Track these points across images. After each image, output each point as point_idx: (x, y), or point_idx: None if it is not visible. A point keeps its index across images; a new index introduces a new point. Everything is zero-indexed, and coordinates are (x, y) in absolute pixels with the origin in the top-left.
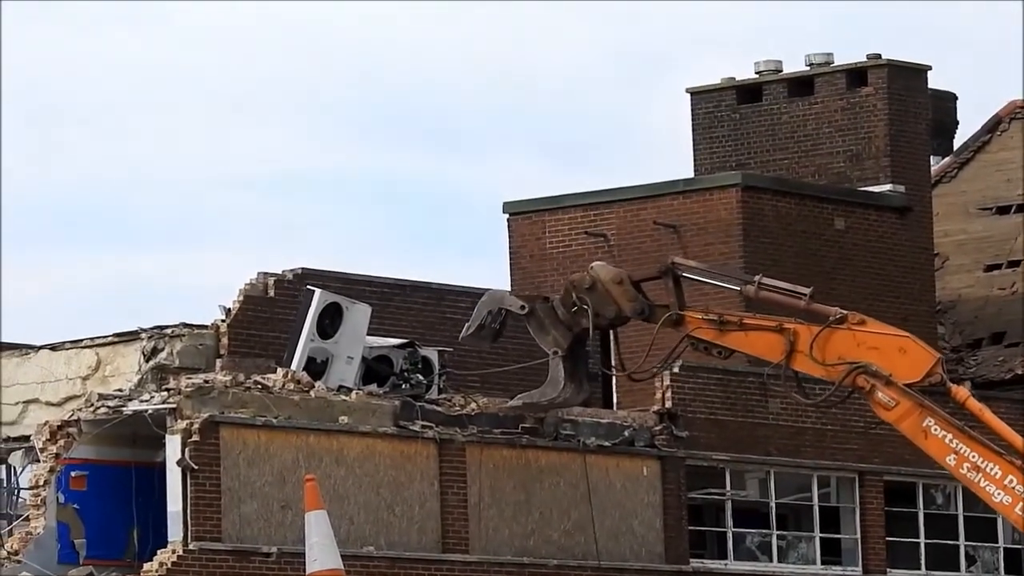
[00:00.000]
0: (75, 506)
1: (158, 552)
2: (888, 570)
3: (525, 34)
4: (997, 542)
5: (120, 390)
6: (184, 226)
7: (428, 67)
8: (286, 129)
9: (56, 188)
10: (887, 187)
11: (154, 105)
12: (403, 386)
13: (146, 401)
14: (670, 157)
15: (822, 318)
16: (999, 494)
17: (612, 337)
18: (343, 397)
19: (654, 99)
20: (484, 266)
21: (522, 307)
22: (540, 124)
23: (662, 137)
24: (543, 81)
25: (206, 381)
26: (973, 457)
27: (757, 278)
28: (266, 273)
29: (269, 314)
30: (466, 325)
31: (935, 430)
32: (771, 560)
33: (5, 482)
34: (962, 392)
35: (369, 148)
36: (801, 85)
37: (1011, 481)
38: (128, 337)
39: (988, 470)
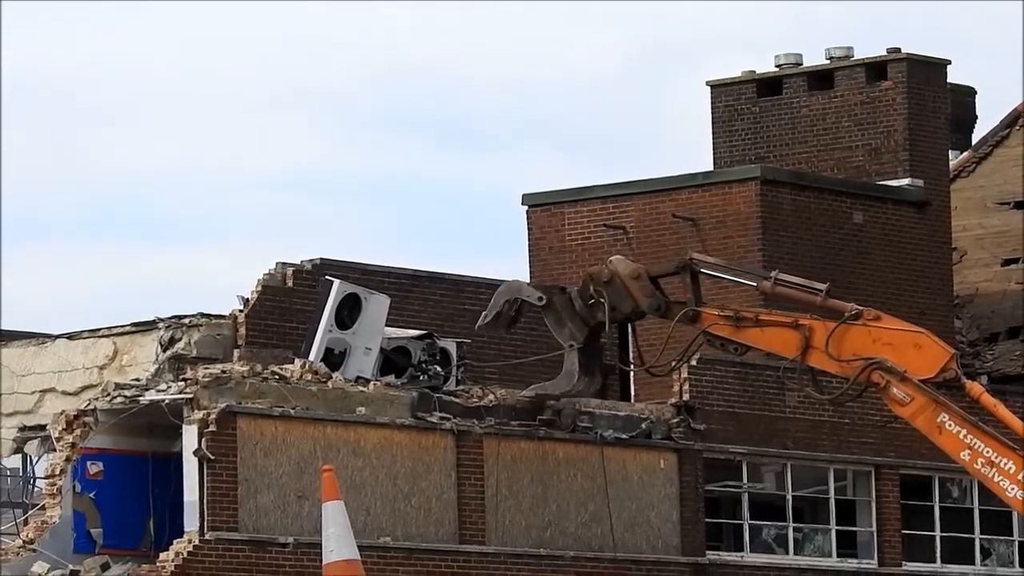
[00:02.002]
0: (91, 495)
1: (174, 542)
2: (903, 563)
3: (545, 29)
4: (1012, 535)
5: (137, 380)
6: (203, 220)
7: (448, 62)
8: (305, 126)
9: (78, 182)
10: (906, 181)
11: (175, 104)
12: (421, 377)
13: (163, 391)
14: (690, 150)
15: (838, 314)
16: (1012, 489)
17: (630, 331)
18: (361, 388)
19: (674, 92)
20: (503, 259)
21: (540, 298)
22: (560, 118)
23: (682, 130)
24: (563, 75)
25: (223, 371)
26: (987, 452)
27: (774, 274)
28: (284, 263)
29: (287, 304)
30: (483, 314)
31: (949, 426)
32: (787, 553)
33: (21, 471)
34: (976, 387)
35: (388, 144)
36: (821, 79)
37: None
38: (145, 327)
39: (1002, 465)
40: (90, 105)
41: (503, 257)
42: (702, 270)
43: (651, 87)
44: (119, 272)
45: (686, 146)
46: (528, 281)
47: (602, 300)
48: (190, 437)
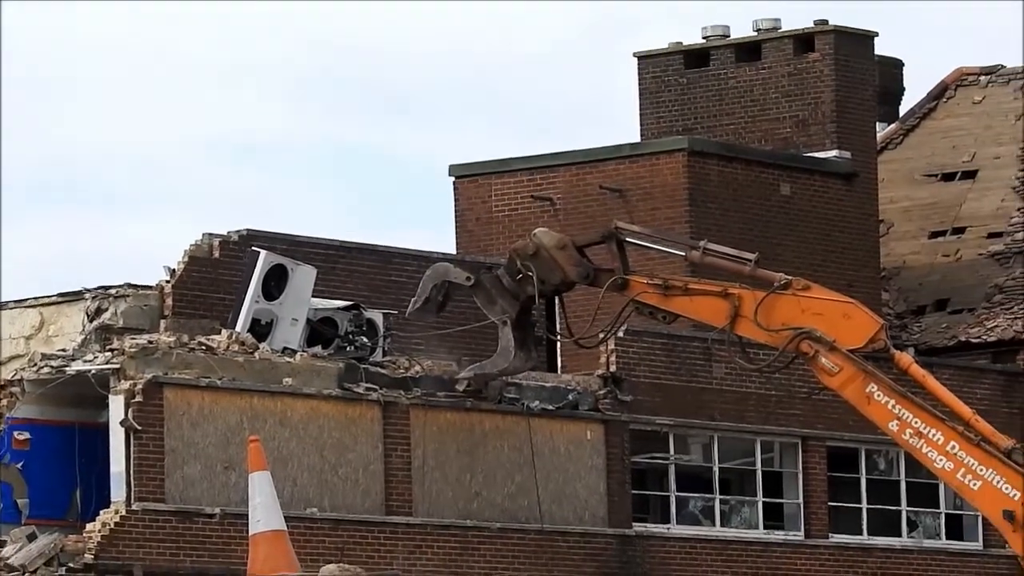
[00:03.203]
0: (18, 466)
1: (101, 512)
2: (830, 535)
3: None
4: (939, 508)
5: (63, 350)
6: (132, 189)
7: (375, 33)
8: (232, 94)
9: (6, 151)
10: (833, 153)
11: (103, 70)
12: (348, 348)
13: (90, 361)
14: (617, 122)
15: (767, 284)
16: (941, 460)
17: (558, 302)
18: (287, 359)
19: (601, 63)
20: (430, 230)
21: (468, 279)
22: (488, 89)
23: (609, 102)
24: (490, 46)
25: (150, 342)
26: (916, 423)
27: (702, 243)
28: (211, 234)
29: (214, 275)
30: (412, 301)
31: (878, 396)
32: (714, 524)
33: None
34: (905, 358)
35: (316, 114)
36: (748, 51)
37: (953, 447)
38: (72, 297)
39: (930, 436)
40: (25, 75)
41: (430, 228)
42: (627, 239)
43: (579, 59)
44: (46, 242)
45: (613, 118)
46: (454, 253)
47: (530, 274)
48: (117, 407)
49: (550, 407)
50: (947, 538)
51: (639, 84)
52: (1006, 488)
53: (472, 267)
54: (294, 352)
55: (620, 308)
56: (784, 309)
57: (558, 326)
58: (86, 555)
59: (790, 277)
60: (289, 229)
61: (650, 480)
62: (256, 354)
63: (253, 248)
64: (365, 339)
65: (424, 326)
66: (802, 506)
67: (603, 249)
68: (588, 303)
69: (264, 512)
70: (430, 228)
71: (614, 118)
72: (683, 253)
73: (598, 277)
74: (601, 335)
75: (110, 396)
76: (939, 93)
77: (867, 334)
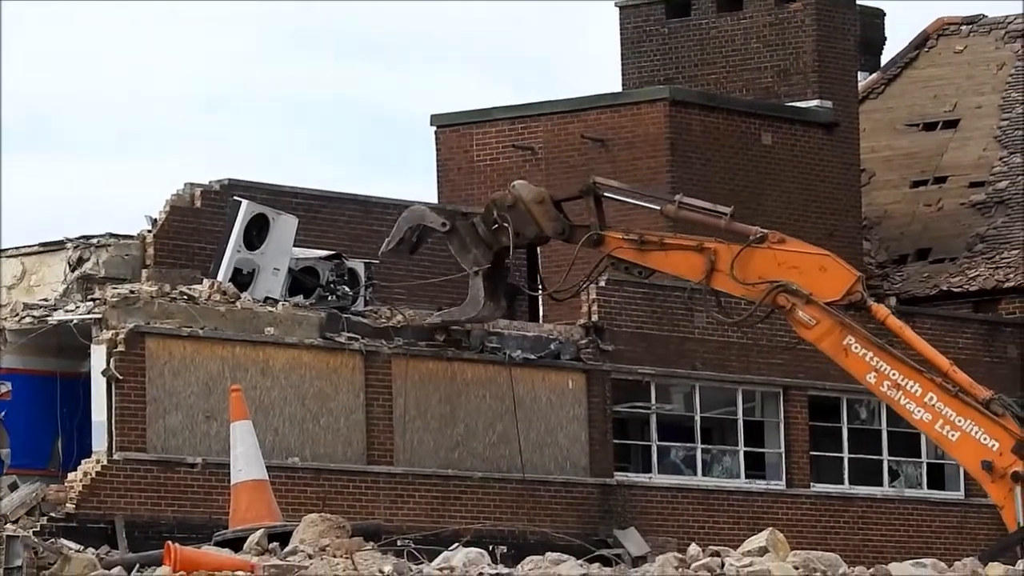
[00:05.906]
0: (0, 416)
1: (83, 462)
2: (812, 484)
3: None
4: (920, 457)
5: (45, 300)
6: (111, 139)
7: None
8: (212, 42)
9: None
10: (814, 103)
11: (85, 18)
12: (329, 298)
13: (71, 311)
14: (598, 71)
15: (742, 237)
16: (919, 411)
17: (536, 255)
18: (269, 308)
19: (583, 13)
20: (412, 179)
21: (443, 224)
22: (471, 38)
23: (591, 51)
24: None
25: (132, 291)
26: (893, 375)
27: (677, 197)
28: (193, 183)
29: (196, 225)
30: (386, 240)
31: (855, 348)
32: (695, 474)
33: None
34: (882, 310)
35: (298, 63)
36: (730, 0)
37: (931, 398)
38: (54, 246)
39: (908, 387)
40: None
41: (412, 178)
42: (605, 194)
43: (561, 7)
44: (27, 191)
45: (595, 67)
46: (436, 202)
47: (506, 225)
48: (98, 357)
49: (532, 356)
50: (928, 487)
51: (621, 34)
52: (984, 439)
53: (449, 213)
54: (276, 302)
55: (596, 262)
56: (760, 263)
57: (539, 279)
58: (67, 504)
59: (766, 231)
60: (270, 179)
61: (631, 429)
62: (238, 304)
63: (235, 198)
64: (347, 288)
65: (407, 277)
66: (783, 455)
67: (581, 203)
68: (567, 254)
69: (246, 462)
70: (412, 177)
71: (596, 67)
72: (658, 208)
73: (574, 233)
74: (575, 289)
75: (92, 346)
76: (921, 42)
77: (844, 286)
